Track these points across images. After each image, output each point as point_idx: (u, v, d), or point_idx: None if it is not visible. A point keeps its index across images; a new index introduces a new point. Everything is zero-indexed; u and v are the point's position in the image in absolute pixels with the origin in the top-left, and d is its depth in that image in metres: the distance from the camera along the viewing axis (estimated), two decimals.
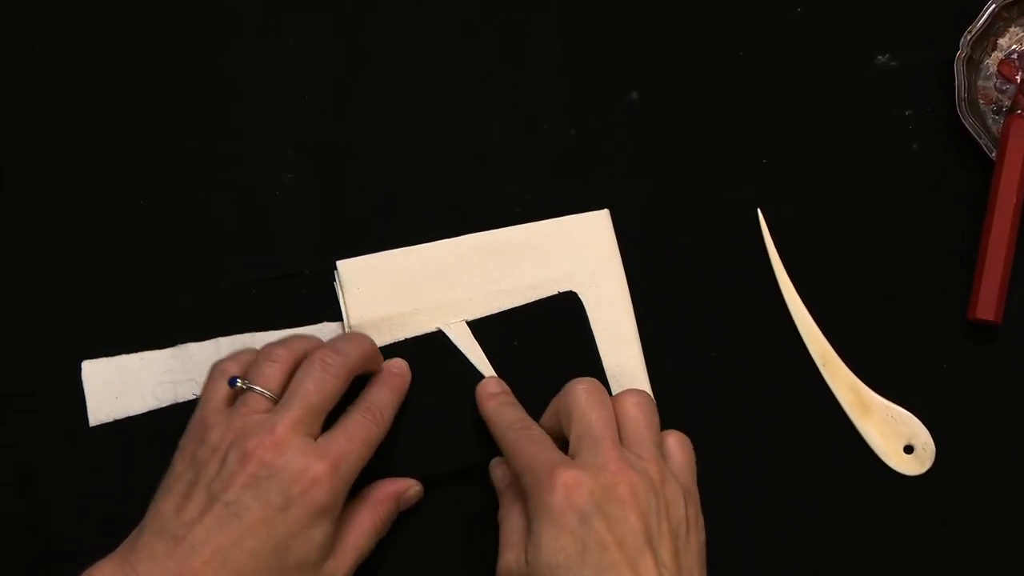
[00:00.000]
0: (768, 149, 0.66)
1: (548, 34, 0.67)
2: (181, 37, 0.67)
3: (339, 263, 0.63)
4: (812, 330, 0.63)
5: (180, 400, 0.62)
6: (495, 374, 0.62)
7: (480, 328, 0.63)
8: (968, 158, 0.65)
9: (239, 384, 0.57)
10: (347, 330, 0.62)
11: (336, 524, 0.55)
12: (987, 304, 0.62)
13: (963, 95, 0.65)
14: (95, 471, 0.61)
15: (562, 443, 0.56)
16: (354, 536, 0.57)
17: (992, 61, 0.67)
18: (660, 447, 0.56)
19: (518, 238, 0.64)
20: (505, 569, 0.55)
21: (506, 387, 0.61)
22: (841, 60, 0.67)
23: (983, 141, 0.64)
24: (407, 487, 0.60)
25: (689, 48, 0.67)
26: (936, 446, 0.62)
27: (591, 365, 0.62)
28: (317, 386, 0.56)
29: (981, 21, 0.65)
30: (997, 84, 0.66)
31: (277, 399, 0.56)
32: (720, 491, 0.59)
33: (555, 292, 0.63)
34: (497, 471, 0.60)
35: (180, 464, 0.55)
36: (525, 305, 0.63)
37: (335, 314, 0.63)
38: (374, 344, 0.60)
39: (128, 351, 0.62)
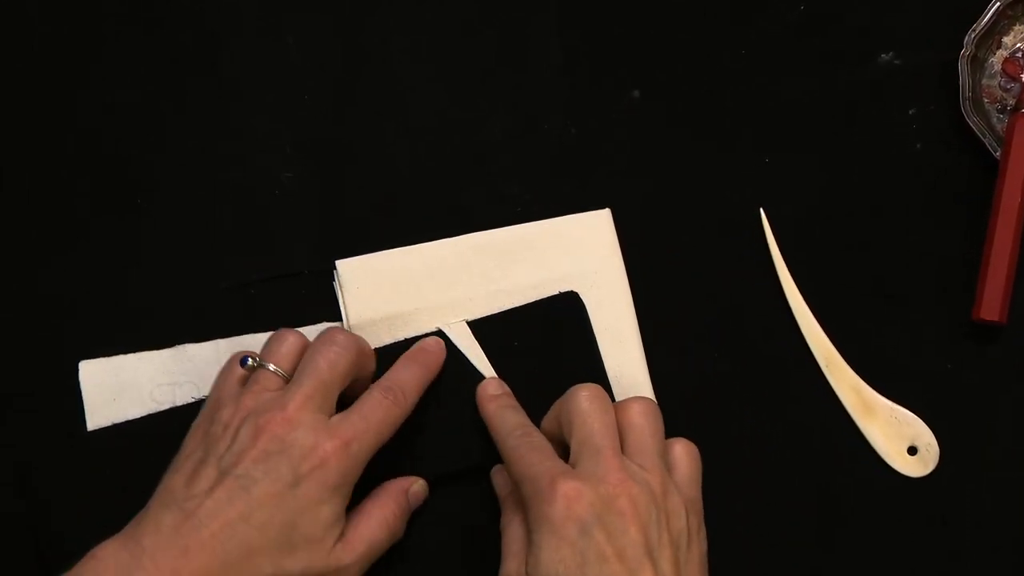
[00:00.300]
0: (770, 149, 0.66)
1: (548, 34, 0.67)
2: (181, 37, 0.67)
3: (339, 263, 0.63)
4: (815, 331, 0.63)
5: (179, 403, 0.62)
6: (495, 375, 0.62)
7: (480, 328, 0.63)
8: (972, 157, 0.65)
9: (251, 363, 0.57)
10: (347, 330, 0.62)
11: (345, 505, 0.55)
12: (991, 304, 0.61)
13: (967, 94, 0.65)
14: (95, 471, 0.61)
15: (563, 448, 0.56)
16: (364, 525, 0.57)
17: (997, 59, 0.66)
18: (664, 456, 0.56)
19: (519, 238, 0.64)
20: None
21: (507, 388, 0.61)
22: (844, 59, 0.67)
23: (987, 140, 0.64)
24: (412, 481, 0.60)
25: (690, 48, 0.67)
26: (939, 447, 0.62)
27: (592, 366, 0.62)
28: (328, 363, 0.56)
29: (986, 19, 0.65)
30: (1002, 83, 0.66)
31: (289, 378, 0.57)
32: (721, 492, 0.58)
33: (556, 292, 0.63)
34: (498, 478, 0.60)
35: (191, 443, 0.56)
36: (526, 305, 0.63)
37: (335, 314, 0.63)
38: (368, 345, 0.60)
39: (128, 351, 0.63)
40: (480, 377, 0.61)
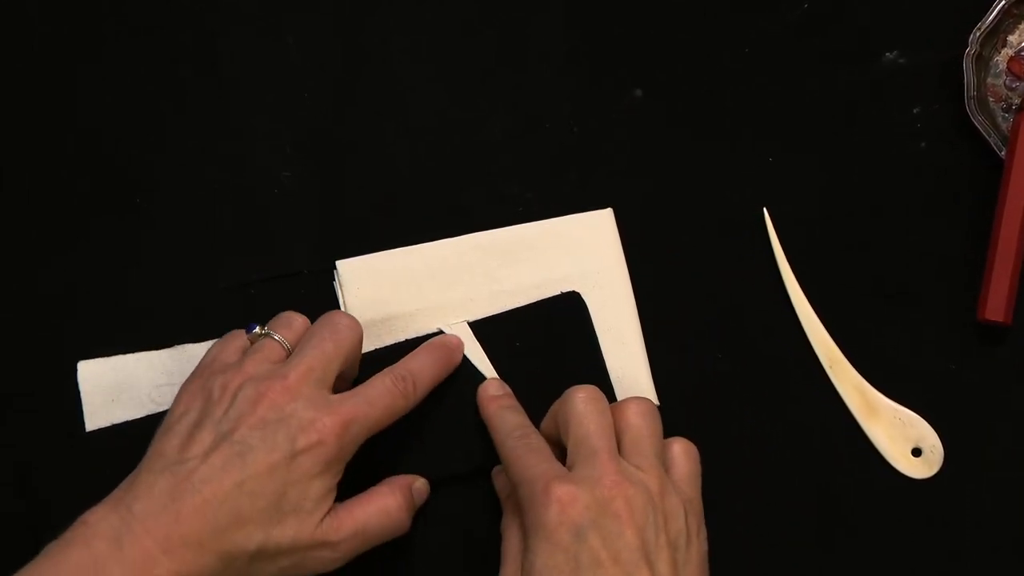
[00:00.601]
0: (772, 148, 0.65)
1: (549, 33, 0.67)
2: (181, 37, 0.67)
3: (339, 263, 0.63)
4: (819, 331, 0.63)
5: None
6: (497, 375, 0.61)
7: (482, 329, 0.62)
8: (977, 157, 0.65)
9: (257, 330, 0.57)
10: None
11: (336, 482, 0.54)
12: (996, 305, 0.61)
13: (972, 93, 0.64)
14: (95, 471, 0.61)
15: (562, 450, 0.56)
16: (360, 509, 0.56)
17: (1002, 58, 0.66)
18: (662, 456, 0.55)
19: (520, 238, 0.64)
20: None
21: (508, 389, 0.60)
22: (848, 58, 0.66)
23: (992, 139, 0.64)
24: (414, 479, 0.59)
25: (691, 47, 0.67)
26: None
27: (594, 366, 0.62)
28: (331, 335, 0.56)
29: (991, 18, 0.65)
30: (1007, 81, 0.66)
31: (292, 351, 0.57)
32: (721, 492, 0.58)
33: (558, 292, 0.63)
34: (499, 480, 0.60)
35: (184, 400, 0.55)
36: (527, 305, 0.63)
37: None
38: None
39: (128, 351, 0.63)
40: (481, 378, 0.61)
